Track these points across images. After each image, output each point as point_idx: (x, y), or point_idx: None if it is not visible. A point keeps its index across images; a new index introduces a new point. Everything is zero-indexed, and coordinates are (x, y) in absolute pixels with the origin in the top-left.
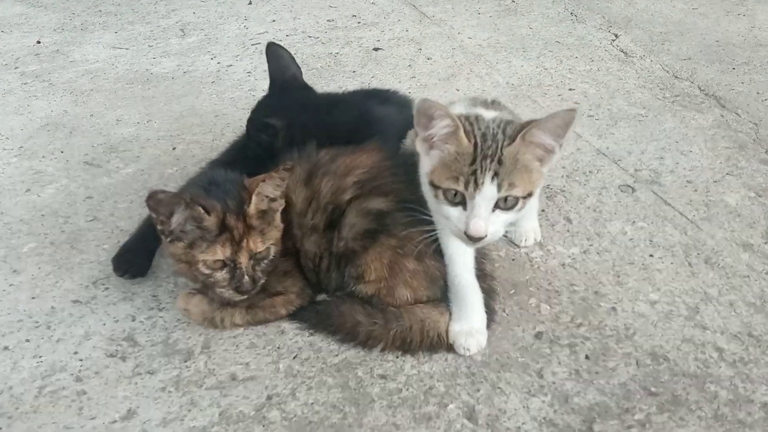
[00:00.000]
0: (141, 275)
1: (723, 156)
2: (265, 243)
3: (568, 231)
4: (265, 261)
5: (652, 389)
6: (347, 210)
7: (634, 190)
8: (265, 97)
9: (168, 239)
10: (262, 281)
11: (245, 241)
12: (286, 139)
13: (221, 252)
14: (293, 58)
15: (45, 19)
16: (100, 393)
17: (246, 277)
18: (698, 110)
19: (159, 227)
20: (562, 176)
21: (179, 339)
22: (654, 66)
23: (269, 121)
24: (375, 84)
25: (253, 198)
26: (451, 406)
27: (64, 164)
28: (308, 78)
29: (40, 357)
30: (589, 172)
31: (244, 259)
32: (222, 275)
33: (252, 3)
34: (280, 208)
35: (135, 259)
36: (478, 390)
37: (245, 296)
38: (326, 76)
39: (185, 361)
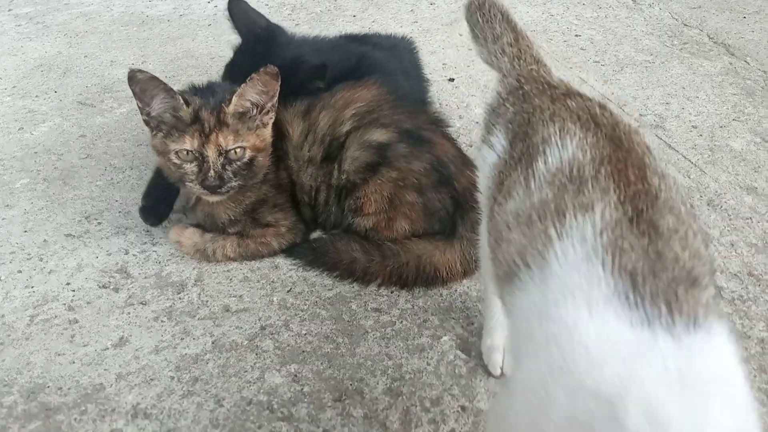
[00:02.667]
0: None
1: (730, 102)
2: (237, 142)
3: None
4: (238, 162)
5: None
6: (347, 142)
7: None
8: (240, 53)
9: (152, 131)
10: (233, 183)
11: (215, 134)
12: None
13: (189, 142)
14: (255, 10)
15: None
16: (92, 322)
17: (212, 172)
18: (706, 57)
19: (144, 117)
20: None
21: (172, 272)
22: (663, 14)
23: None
24: (376, 28)
25: (234, 98)
26: (444, 338)
27: (58, 103)
28: (306, 23)
29: (32, 287)
30: None
31: (211, 153)
32: (190, 167)
33: None
34: (270, 122)
35: (159, 206)
36: (473, 323)
37: (214, 195)
38: (326, 20)
39: (178, 293)
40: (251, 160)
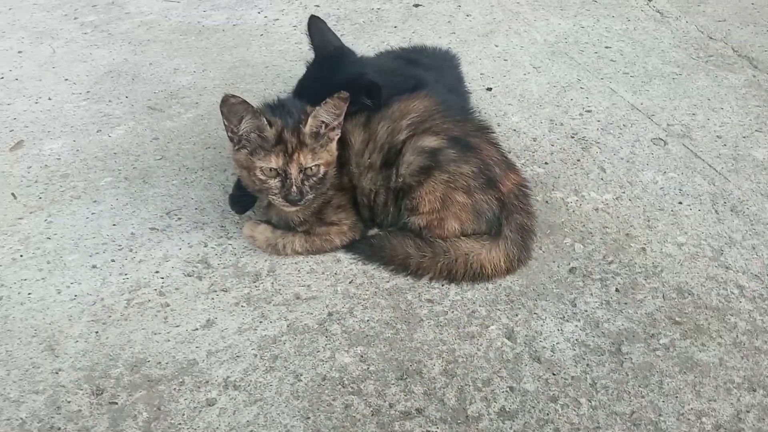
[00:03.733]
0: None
1: (753, 114)
2: (315, 160)
3: (602, 179)
4: (314, 178)
5: (677, 319)
6: (403, 149)
7: (666, 143)
8: (313, 67)
9: (235, 146)
10: (309, 196)
11: (297, 154)
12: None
13: (275, 161)
14: (331, 30)
15: None
16: (181, 305)
17: (294, 188)
18: (731, 70)
19: (229, 134)
20: (597, 129)
21: (247, 263)
22: (689, 27)
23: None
24: (416, 39)
25: (309, 119)
26: (492, 327)
27: (130, 108)
28: (351, 33)
29: (126, 274)
30: (623, 125)
31: (293, 170)
32: (274, 183)
33: None
34: (336, 138)
35: (246, 197)
36: (517, 315)
37: (293, 207)
38: (369, 30)
39: (254, 282)
40: (324, 174)
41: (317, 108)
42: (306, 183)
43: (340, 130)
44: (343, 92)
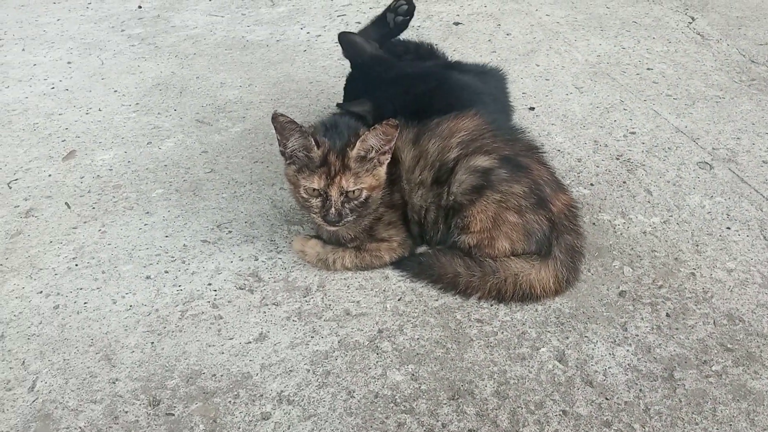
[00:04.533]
0: None
1: None
2: (357, 185)
3: (648, 202)
4: (356, 201)
5: (729, 346)
6: (455, 168)
7: (711, 167)
8: (350, 79)
9: (286, 161)
10: (349, 219)
11: (339, 177)
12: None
13: (317, 182)
14: (366, 40)
15: None
16: (234, 318)
17: (333, 209)
18: None
19: (281, 148)
20: (642, 151)
21: (297, 278)
22: (731, 50)
23: (354, 110)
24: (457, 57)
25: (357, 143)
26: (542, 349)
27: (178, 121)
28: None
29: (179, 286)
30: (668, 148)
31: (334, 193)
32: (315, 202)
33: None
34: (385, 162)
35: None
36: (567, 338)
37: (332, 227)
38: None
39: (304, 297)
40: (366, 198)
41: (367, 132)
42: (347, 206)
43: (390, 155)
44: (392, 119)
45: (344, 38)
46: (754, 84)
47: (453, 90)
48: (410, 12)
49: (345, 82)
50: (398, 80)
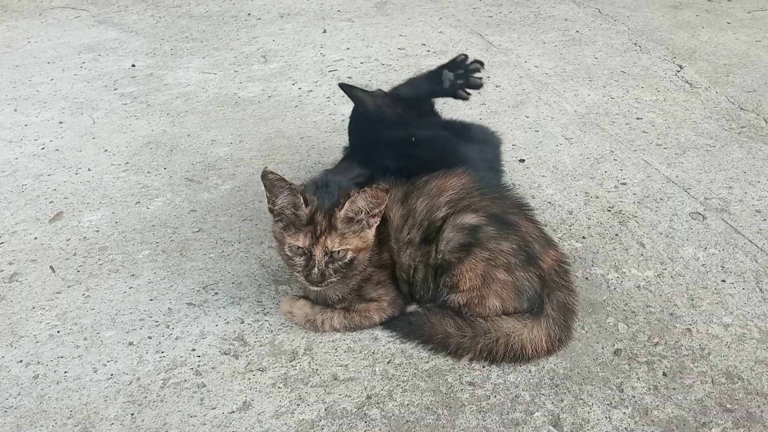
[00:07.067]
0: None
1: None
2: (342, 245)
3: (642, 255)
4: (340, 262)
5: (728, 406)
6: (443, 226)
7: (704, 217)
8: (350, 126)
9: (274, 218)
10: (333, 279)
11: (324, 237)
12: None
13: (302, 240)
14: (370, 94)
15: (137, 44)
16: (217, 386)
17: (316, 269)
18: (765, 142)
19: (269, 205)
20: (634, 202)
21: (284, 340)
22: (719, 97)
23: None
24: (446, 109)
25: (346, 204)
26: (537, 413)
27: (168, 179)
28: None
29: (162, 352)
30: (660, 199)
31: (318, 252)
32: (299, 261)
33: (326, 32)
34: (374, 225)
35: None
36: (562, 400)
37: (314, 287)
38: None
39: (291, 361)
40: (352, 260)
41: (357, 194)
42: (330, 266)
43: (379, 219)
44: (382, 183)
45: (345, 88)
46: (744, 131)
47: (455, 161)
48: (477, 85)
49: (349, 121)
50: (401, 143)
